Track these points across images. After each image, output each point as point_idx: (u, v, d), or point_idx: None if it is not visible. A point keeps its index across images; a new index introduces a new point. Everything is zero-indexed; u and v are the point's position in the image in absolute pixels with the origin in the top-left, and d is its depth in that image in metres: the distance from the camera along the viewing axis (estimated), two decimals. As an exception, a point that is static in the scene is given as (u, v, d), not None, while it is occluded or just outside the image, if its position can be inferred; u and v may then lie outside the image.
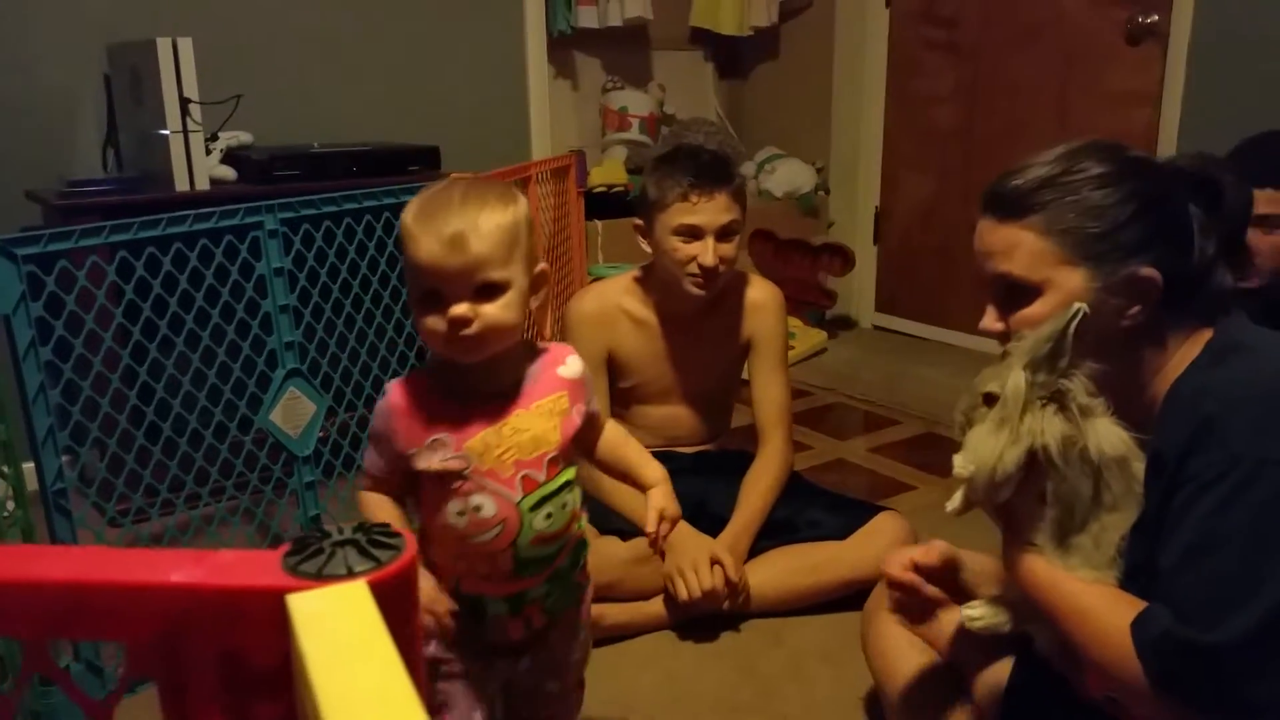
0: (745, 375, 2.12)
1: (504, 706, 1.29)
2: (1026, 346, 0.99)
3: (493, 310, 1.07)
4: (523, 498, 1.13)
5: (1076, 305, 0.97)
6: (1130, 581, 0.98)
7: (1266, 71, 2.58)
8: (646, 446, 2.03)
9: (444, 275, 1.06)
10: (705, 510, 1.98)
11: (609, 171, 3.34)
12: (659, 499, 1.27)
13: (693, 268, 1.89)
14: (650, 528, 1.25)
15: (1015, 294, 1.06)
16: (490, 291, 1.07)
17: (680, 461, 2.08)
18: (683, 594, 1.82)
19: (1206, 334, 1.04)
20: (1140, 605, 0.94)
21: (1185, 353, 1.03)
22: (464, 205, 1.07)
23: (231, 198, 1.90)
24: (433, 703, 1.22)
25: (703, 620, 1.88)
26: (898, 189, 3.86)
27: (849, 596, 1.89)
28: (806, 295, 3.65)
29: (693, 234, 1.88)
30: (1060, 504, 0.99)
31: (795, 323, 3.50)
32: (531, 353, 1.18)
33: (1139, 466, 0.99)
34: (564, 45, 3.57)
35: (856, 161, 3.91)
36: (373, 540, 0.46)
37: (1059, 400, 0.97)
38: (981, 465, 0.98)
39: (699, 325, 2.04)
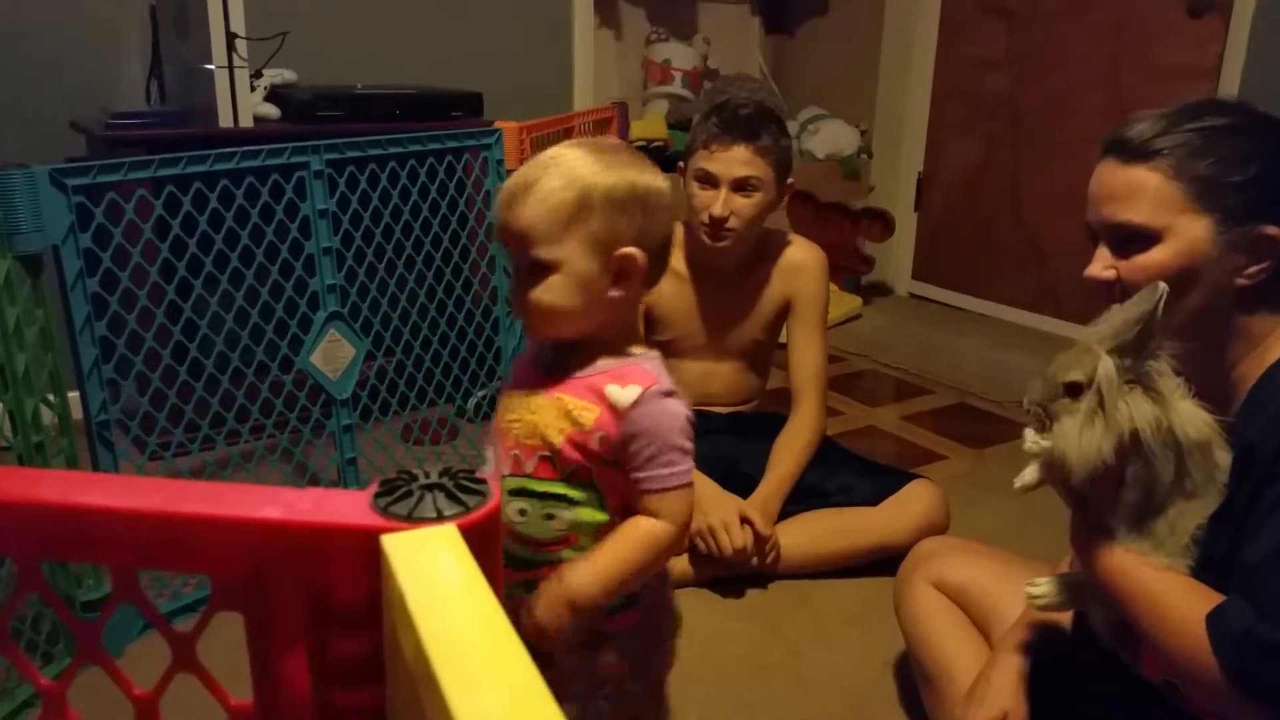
0: (783, 337, 2.11)
1: None
2: (1110, 330, 0.96)
3: (536, 292, 1.01)
4: (506, 476, 1.07)
5: (1160, 285, 0.94)
6: (1205, 572, 0.96)
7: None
8: None
9: (502, 238, 1.03)
10: (737, 470, 1.98)
11: (650, 126, 3.30)
12: (536, 604, 1.05)
13: (704, 215, 1.91)
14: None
15: (1131, 240, 1.02)
16: (536, 270, 1.01)
17: (715, 421, 2.09)
18: (713, 551, 1.82)
19: None
20: (1216, 597, 0.92)
21: (1278, 343, 1.00)
22: (540, 165, 1.01)
23: (274, 136, 1.89)
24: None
25: (730, 579, 1.89)
26: (942, 155, 3.80)
27: (876, 562, 1.90)
28: (844, 260, 3.61)
29: (709, 181, 1.90)
30: (1140, 487, 0.97)
31: (831, 287, 3.46)
32: (616, 352, 1.07)
33: (1221, 454, 0.97)
34: (610, -6, 3.52)
35: (901, 125, 3.84)
36: (460, 485, 0.46)
37: (1145, 382, 0.95)
38: (1082, 459, 0.95)
39: (737, 282, 2.03)
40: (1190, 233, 0.99)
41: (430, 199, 2.04)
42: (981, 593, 1.44)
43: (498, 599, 0.39)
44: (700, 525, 1.84)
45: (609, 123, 2.91)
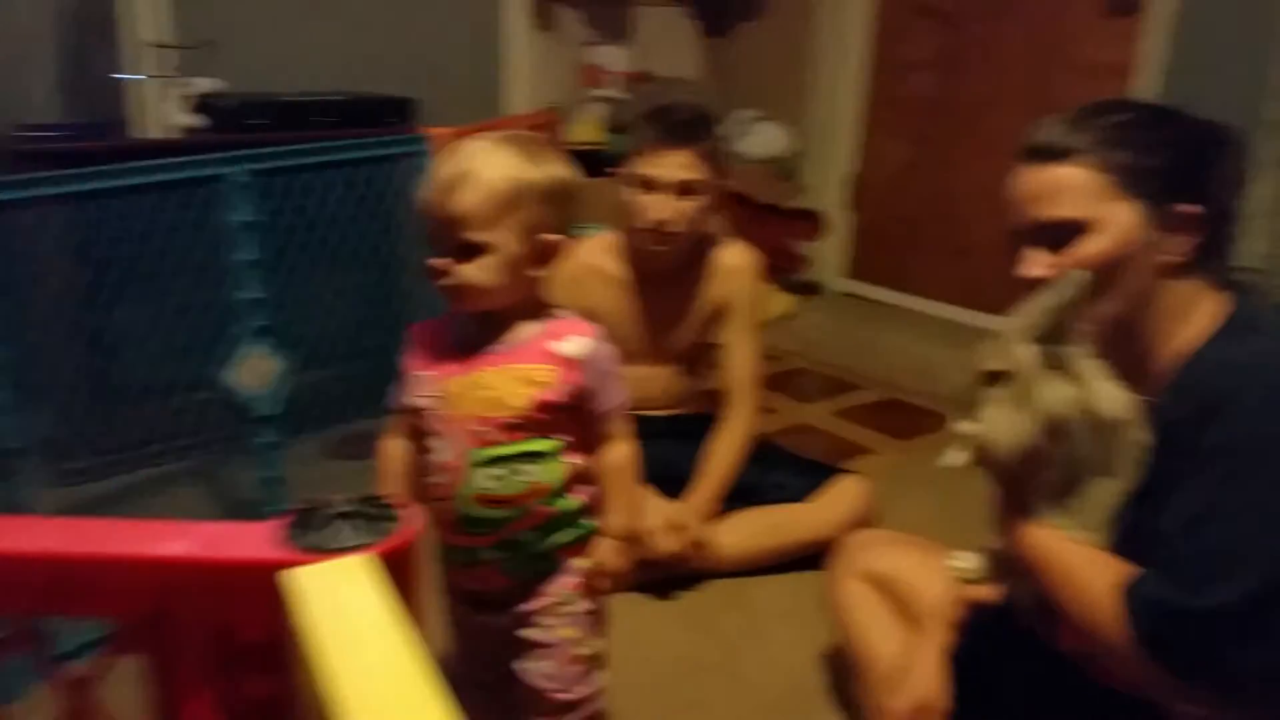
0: (717, 339, 2.13)
1: (492, 658, 1.29)
2: (1030, 319, 0.99)
3: (469, 270, 1.10)
4: (470, 452, 1.15)
5: (1079, 273, 0.98)
6: (1125, 544, 0.99)
7: (1245, 47, 2.60)
8: None
9: (432, 222, 1.11)
10: (674, 472, 1.99)
11: (586, 129, 3.29)
12: (604, 552, 1.24)
13: (647, 221, 1.90)
14: (594, 582, 1.26)
15: (1062, 235, 1.05)
16: (469, 251, 1.10)
17: (653, 425, 2.08)
18: (645, 556, 1.83)
19: (1222, 305, 1.04)
20: (1128, 568, 0.95)
21: (1202, 317, 1.03)
22: (474, 158, 1.10)
23: (195, 147, 1.85)
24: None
25: (665, 581, 1.91)
26: (874, 155, 3.85)
27: (809, 557, 1.93)
28: (778, 260, 3.64)
29: (650, 186, 1.89)
30: (1061, 466, 1.00)
31: (766, 287, 3.49)
32: (534, 317, 1.18)
33: (1140, 433, 1.00)
34: (544, -3, 3.49)
35: (834, 126, 3.89)
36: (376, 512, 0.46)
37: (1065, 367, 0.98)
38: (1009, 444, 0.99)
39: (671, 286, 2.04)
40: (1121, 219, 1.02)
41: (357, 208, 2.02)
42: (907, 582, 1.47)
43: (421, 626, 0.39)
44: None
45: (544, 127, 2.90)
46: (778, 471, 2.05)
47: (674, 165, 1.88)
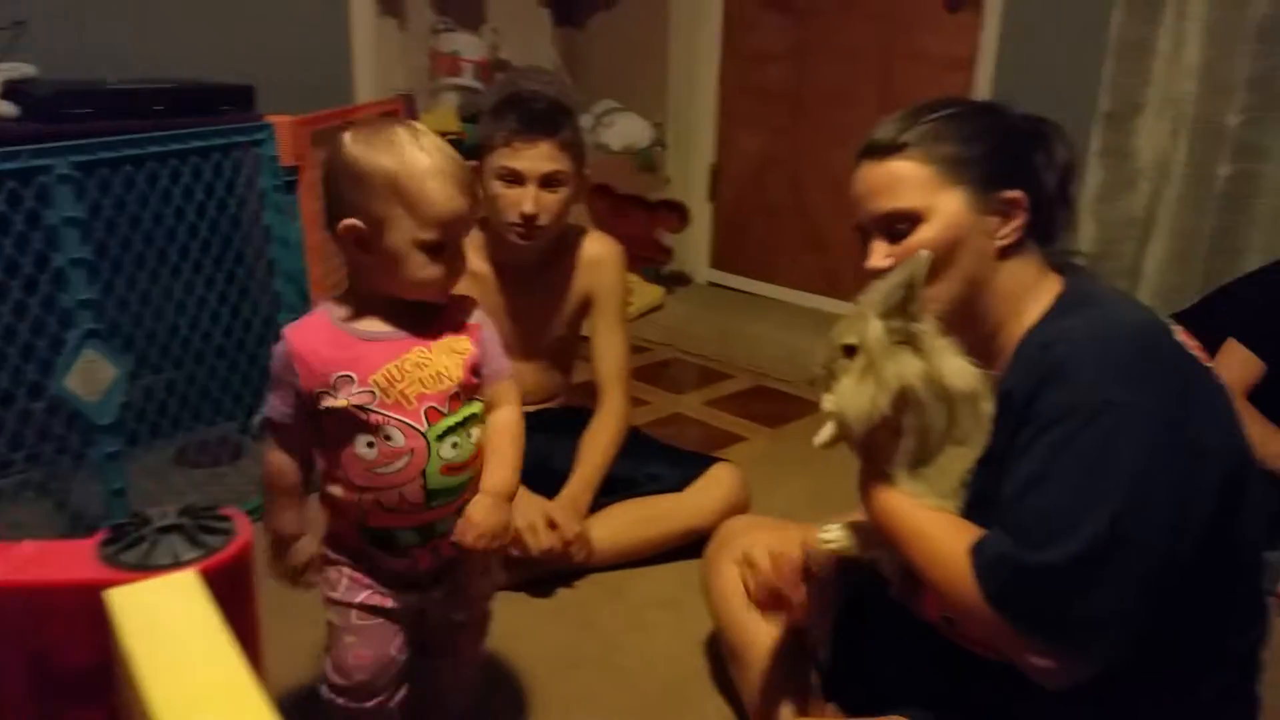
0: (585, 331, 2.11)
1: (414, 636, 1.32)
2: (878, 295, 1.04)
3: (458, 265, 1.19)
4: (429, 427, 1.17)
5: (923, 252, 1.04)
6: (974, 511, 1.04)
7: (1077, 41, 2.74)
8: None
9: (460, 223, 1.16)
10: (546, 468, 1.95)
11: (440, 119, 3.22)
12: (475, 511, 1.24)
13: (513, 214, 1.86)
14: (457, 536, 1.24)
15: (900, 227, 1.11)
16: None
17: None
18: (520, 555, 1.80)
19: (1058, 285, 1.10)
20: (977, 531, 0.99)
21: (1038, 297, 1.09)
22: (451, 152, 1.16)
23: (13, 138, 1.70)
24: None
25: (543, 579, 1.87)
26: (732, 147, 3.90)
27: (687, 546, 1.93)
28: (643, 251, 3.66)
29: (514, 179, 1.85)
30: (915, 436, 1.04)
31: (632, 279, 3.49)
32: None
33: (987, 405, 1.04)
34: (390, -18, 3.39)
35: (692, 118, 3.92)
36: (201, 525, 0.41)
37: (913, 342, 1.02)
38: (858, 414, 1.03)
39: (536, 279, 2.01)
40: (949, 206, 1.09)
41: (196, 201, 1.90)
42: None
43: (252, 641, 0.35)
44: (507, 529, 1.81)
45: (395, 115, 2.81)
46: (651, 463, 2.04)
47: (538, 157, 1.84)
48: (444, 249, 1.16)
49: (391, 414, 1.16)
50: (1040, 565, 0.92)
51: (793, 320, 3.50)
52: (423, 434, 1.17)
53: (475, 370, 1.22)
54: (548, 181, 1.86)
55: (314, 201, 2.17)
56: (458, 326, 1.23)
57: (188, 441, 2.07)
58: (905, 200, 1.10)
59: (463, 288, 1.93)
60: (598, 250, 2.05)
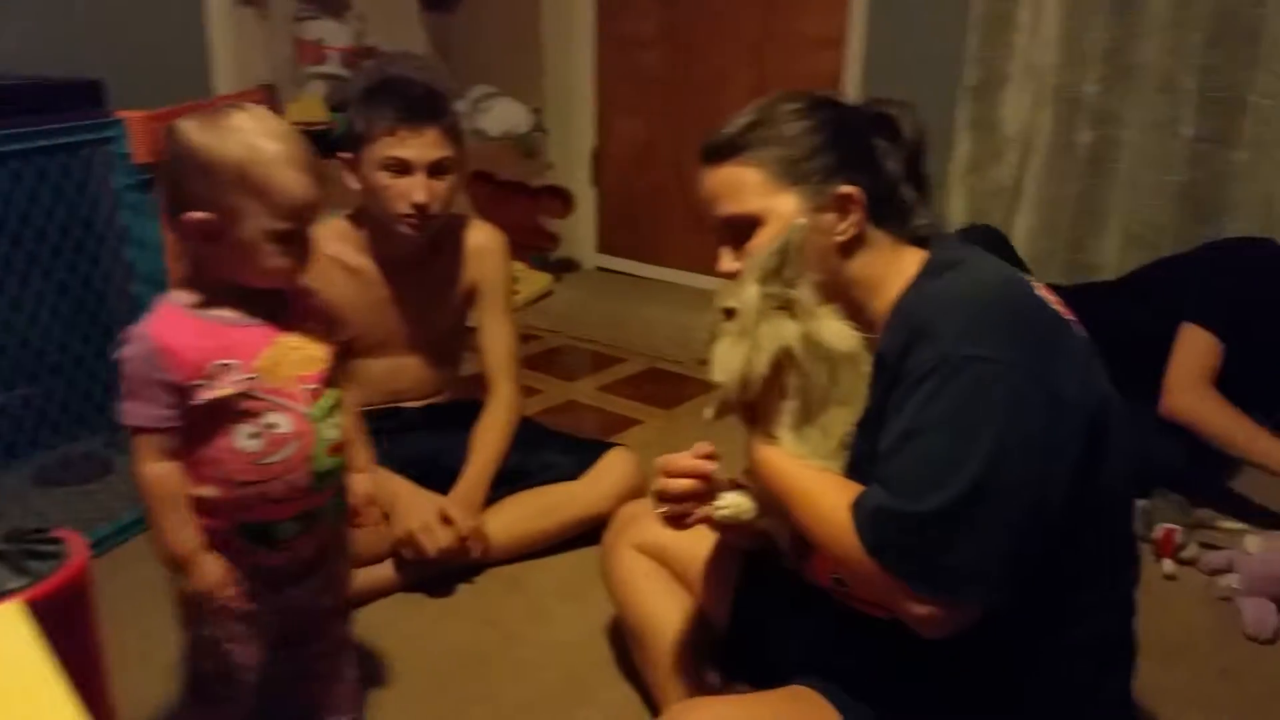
0: (471, 322, 2.06)
1: (280, 628, 1.29)
2: (756, 262, 1.06)
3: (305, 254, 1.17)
4: (312, 408, 1.17)
5: (799, 220, 1.06)
6: (854, 471, 1.06)
7: (942, 16, 2.81)
8: (370, 404, 1.97)
9: (312, 210, 1.13)
10: (438, 464, 1.92)
11: (307, 108, 3.10)
12: (365, 485, 1.31)
13: (403, 206, 1.80)
14: (361, 516, 1.31)
15: (743, 230, 1.13)
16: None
17: (408, 417, 2.01)
18: (416, 556, 1.76)
19: (920, 255, 1.14)
20: (860, 488, 1.02)
21: (901, 271, 1.12)
22: (299, 137, 1.12)
23: None
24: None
25: (439, 577, 1.83)
26: (612, 131, 3.89)
27: (585, 534, 1.92)
28: (528, 238, 3.62)
29: (402, 169, 1.79)
30: (799, 397, 1.06)
31: (519, 266, 3.46)
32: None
33: (867, 367, 1.07)
34: (248, -30, 3.25)
35: (571, 102, 3.89)
36: (27, 550, 0.37)
37: (789, 307, 1.04)
38: (730, 374, 1.05)
39: (419, 271, 1.95)
40: (784, 209, 1.11)
41: (44, 204, 1.78)
42: (680, 549, 1.49)
43: (89, 672, 0.31)
44: (399, 531, 1.76)
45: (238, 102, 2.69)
46: (545, 452, 2.01)
47: (426, 144, 1.79)
48: (295, 237, 1.13)
49: (276, 398, 1.14)
50: (914, 515, 0.95)
51: (682, 301, 3.52)
52: (307, 416, 1.17)
53: (335, 354, 1.23)
54: (436, 169, 1.81)
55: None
56: (311, 311, 1.23)
57: (48, 459, 1.95)
58: (743, 205, 1.12)
59: (341, 284, 1.89)
60: (481, 240, 2.01)
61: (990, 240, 2.29)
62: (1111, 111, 2.60)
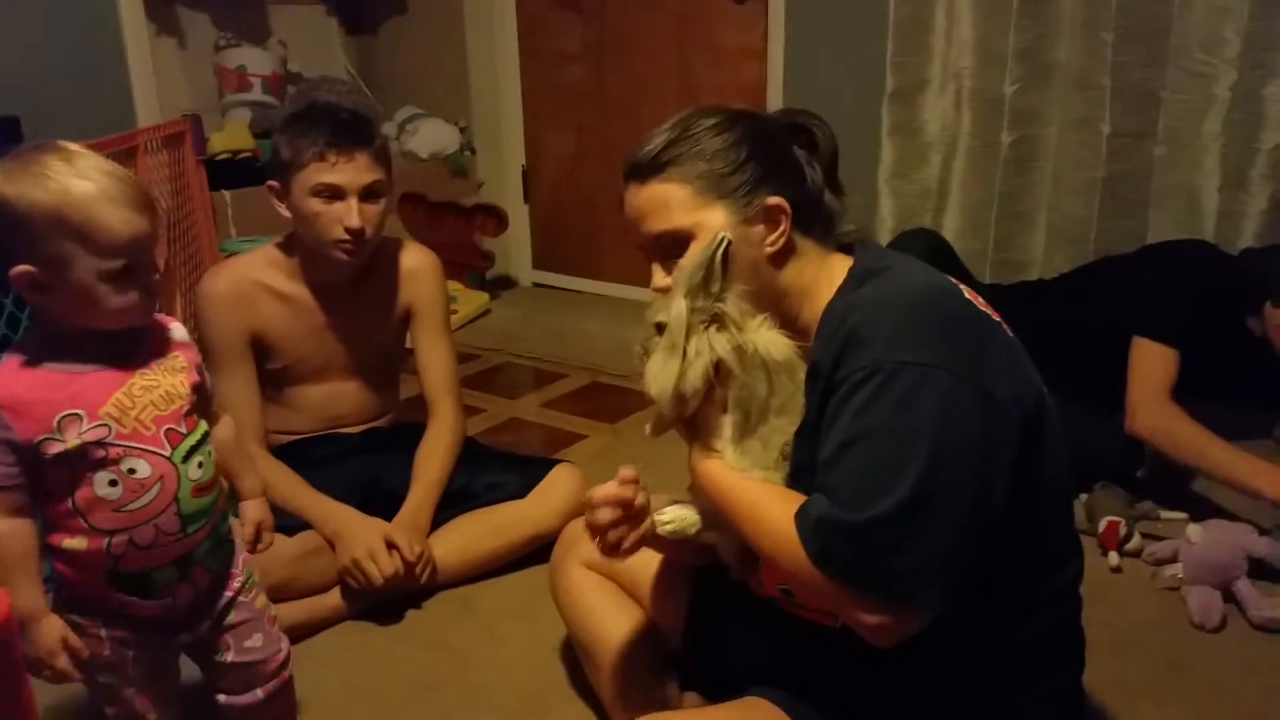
0: (409, 344, 2.05)
1: (202, 671, 1.29)
2: (684, 276, 1.06)
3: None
4: (173, 450, 1.14)
5: (721, 233, 1.05)
6: (795, 481, 1.06)
7: (860, 24, 2.87)
8: (308, 430, 1.95)
9: (143, 242, 1.08)
10: (381, 489, 1.90)
11: (232, 136, 3.06)
12: (255, 512, 1.36)
13: (337, 231, 1.78)
14: (249, 542, 1.35)
15: (673, 246, 1.14)
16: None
17: (348, 443, 1.98)
18: (363, 584, 1.74)
19: (847, 262, 1.15)
20: (802, 499, 1.02)
21: (831, 278, 1.14)
22: (116, 169, 1.08)
23: None
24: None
25: (387, 603, 1.81)
26: (541, 147, 3.89)
27: (534, 553, 1.90)
28: (464, 257, 3.60)
29: (333, 194, 1.77)
30: (739, 409, 1.06)
31: (456, 286, 3.44)
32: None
33: (802, 375, 1.08)
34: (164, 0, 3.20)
35: (499, 120, 3.89)
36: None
37: (719, 320, 1.05)
38: (663, 389, 1.04)
39: (353, 295, 1.93)
40: (712, 223, 1.11)
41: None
42: (627, 563, 1.49)
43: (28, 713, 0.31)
44: (344, 560, 1.74)
45: (182, 136, 2.64)
46: (489, 471, 2.00)
47: (358, 169, 1.77)
48: (131, 272, 1.08)
49: (132, 444, 1.10)
50: (857, 524, 0.95)
51: (621, 314, 3.53)
52: (168, 458, 1.13)
53: (198, 387, 1.20)
54: (368, 194, 1.79)
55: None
56: (168, 345, 1.19)
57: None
58: (671, 222, 1.13)
59: (275, 311, 1.86)
60: (414, 261, 1.99)
61: (929, 243, 2.33)
62: (1031, 111, 2.67)
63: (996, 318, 1.10)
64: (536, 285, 4.04)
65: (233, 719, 1.33)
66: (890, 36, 2.75)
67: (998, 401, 0.99)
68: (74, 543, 1.12)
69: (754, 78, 3.21)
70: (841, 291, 1.11)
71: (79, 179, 1.04)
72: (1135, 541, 1.90)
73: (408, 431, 2.02)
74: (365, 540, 1.74)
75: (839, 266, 1.15)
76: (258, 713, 1.32)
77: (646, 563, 1.45)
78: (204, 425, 1.20)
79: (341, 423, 2.00)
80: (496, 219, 3.64)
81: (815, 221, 1.16)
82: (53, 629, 1.12)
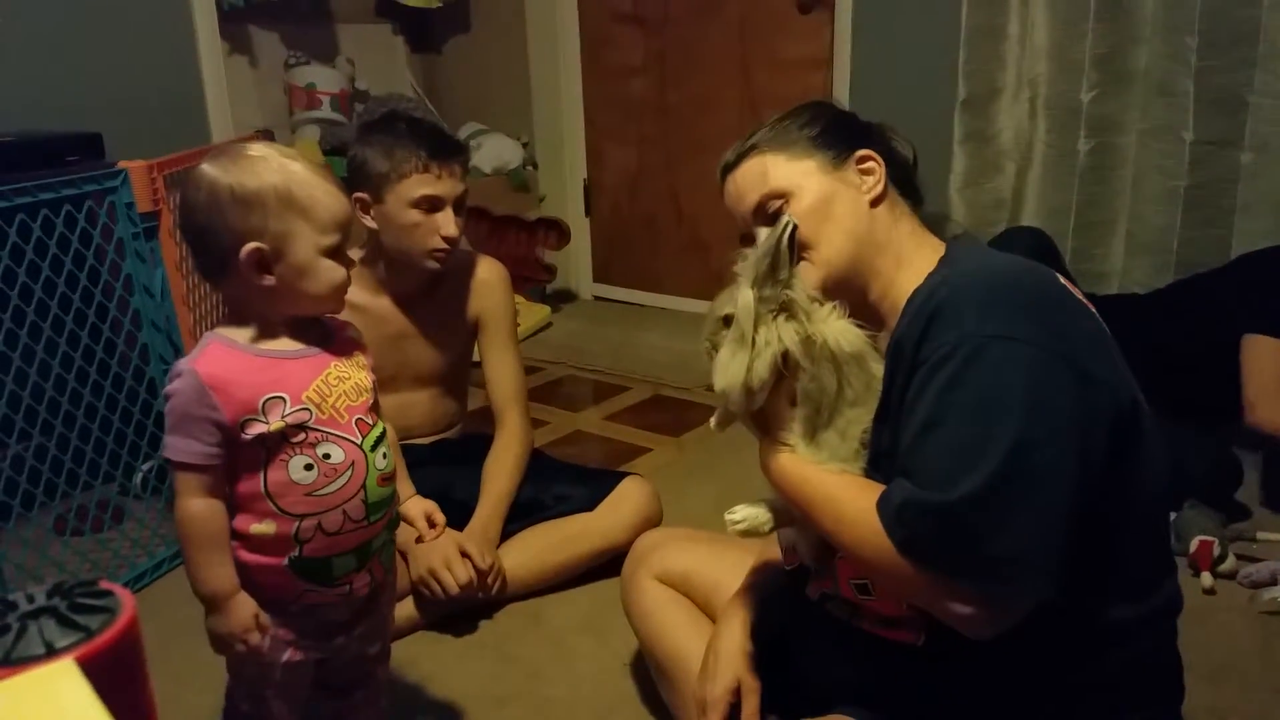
0: (476, 356, 2.06)
1: (322, 677, 1.28)
2: (749, 266, 1.03)
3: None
4: (362, 439, 1.17)
5: (786, 219, 1.03)
6: (874, 470, 1.03)
7: (931, 32, 2.83)
8: None
9: (350, 223, 1.16)
10: (450, 500, 1.88)
11: (302, 153, 3.10)
12: (420, 505, 1.39)
13: (435, 241, 1.82)
14: (426, 532, 1.38)
15: (774, 211, 1.13)
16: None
17: (418, 453, 1.99)
18: (437, 594, 1.74)
19: (940, 246, 1.13)
20: (883, 487, 0.98)
21: (924, 260, 1.11)
22: (308, 160, 1.15)
23: None
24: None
25: (458, 614, 1.81)
26: (603, 161, 3.90)
27: (603, 566, 1.89)
28: (526, 271, 3.62)
29: (433, 206, 1.80)
30: (808, 402, 1.03)
31: (518, 299, 3.45)
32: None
33: (876, 366, 1.04)
34: (237, 19, 3.27)
35: (561, 135, 3.90)
36: (76, 604, 0.36)
37: (787, 309, 1.02)
38: (732, 382, 1.02)
39: (425, 306, 1.95)
40: (807, 174, 1.13)
41: (51, 256, 1.78)
42: (702, 577, 1.47)
43: None
44: (419, 571, 1.74)
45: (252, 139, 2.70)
46: (558, 484, 1.99)
47: (455, 181, 1.82)
48: (341, 250, 1.15)
49: (329, 429, 1.14)
50: (945, 504, 0.90)
51: (682, 327, 3.51)
52: (359, 445, 1.16)
53: (375, 386, 1.24)
54: (457, 204, 1.84)
55: (177, 247, 2.06)
56: (350, 343, 1.23)
57: (65, 509, 1.93)
58: (767, 185, 1.14)
59: (353, 323, 1.88)
60: (485, 273, 2.01)
61: (1035, 242, 2.31)
62: (1109, 118, 2.60)
63: (1093, 309, 1.06)
64: (597, 299, 4.04)
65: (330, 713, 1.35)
66: (962, 43, 2.71)
67: (1092, 379, 0.94)
68: (262, 527, 1.13)
69: (819, 88, 3.18)
70: (933, 272, 1.07)
71: (293, 161, 1.12)
72: (1230, 563, 1.82)
73: (476, 443, 2.03)
74: (440, 550, 1.75)
75: (931, 248, 1.13)
76: (361, 708, 1.35)
77: (719, 579, 1.43)
78: (384, 421, 1.23)
79: (412, 433, 2.01)
80: (558, 232, 3.65)
81: (908, 189, 1.16)
82: (247, 604, 1.13)
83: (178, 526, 1.12)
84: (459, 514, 1.86)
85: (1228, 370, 2.00)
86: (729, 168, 1.18)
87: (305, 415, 1.12)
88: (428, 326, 1.96)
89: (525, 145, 3.87)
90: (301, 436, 1.12)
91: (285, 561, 1.15)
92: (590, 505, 1.94)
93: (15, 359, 1.76)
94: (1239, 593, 1.80)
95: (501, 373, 2.01)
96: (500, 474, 1.93)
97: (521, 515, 1.92)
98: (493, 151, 3.74)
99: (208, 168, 1.10)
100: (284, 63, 3.51)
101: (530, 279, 3.67)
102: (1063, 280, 1.06)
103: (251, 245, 1.09)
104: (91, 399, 1.89)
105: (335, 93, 3.48)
